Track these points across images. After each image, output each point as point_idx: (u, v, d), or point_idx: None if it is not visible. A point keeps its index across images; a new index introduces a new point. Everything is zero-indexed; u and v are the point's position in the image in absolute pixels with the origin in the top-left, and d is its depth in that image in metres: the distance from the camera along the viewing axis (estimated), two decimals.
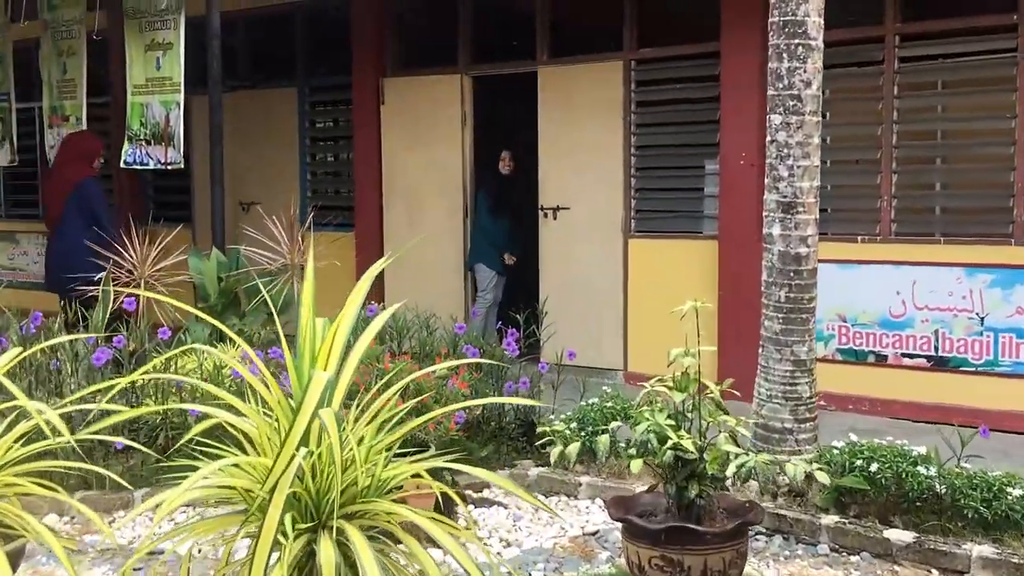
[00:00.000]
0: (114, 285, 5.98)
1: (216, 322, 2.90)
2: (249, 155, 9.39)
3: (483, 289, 8.06)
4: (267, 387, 2.59)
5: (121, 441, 3.70)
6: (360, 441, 2.59)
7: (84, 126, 7.66)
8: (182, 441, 2.74)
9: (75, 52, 7.55)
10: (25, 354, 3.65)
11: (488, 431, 5.21)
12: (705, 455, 3.47)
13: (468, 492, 4.82)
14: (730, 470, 3.33)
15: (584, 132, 7.66)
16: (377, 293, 8.22)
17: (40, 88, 7.98)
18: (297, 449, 2.34)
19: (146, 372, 3.23)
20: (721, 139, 7.01)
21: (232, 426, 2.61)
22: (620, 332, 7.52)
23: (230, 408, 2.69)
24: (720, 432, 3.51)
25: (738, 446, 3.49)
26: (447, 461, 2.63)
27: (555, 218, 7.83)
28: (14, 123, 8.17)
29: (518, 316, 5.57)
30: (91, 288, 5.95)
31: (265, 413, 2.68)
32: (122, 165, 7.16)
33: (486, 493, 4.85)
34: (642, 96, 7.50)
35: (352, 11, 8.62)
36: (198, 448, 2.81)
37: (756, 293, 6.84)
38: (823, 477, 3.52)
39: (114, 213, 7.34)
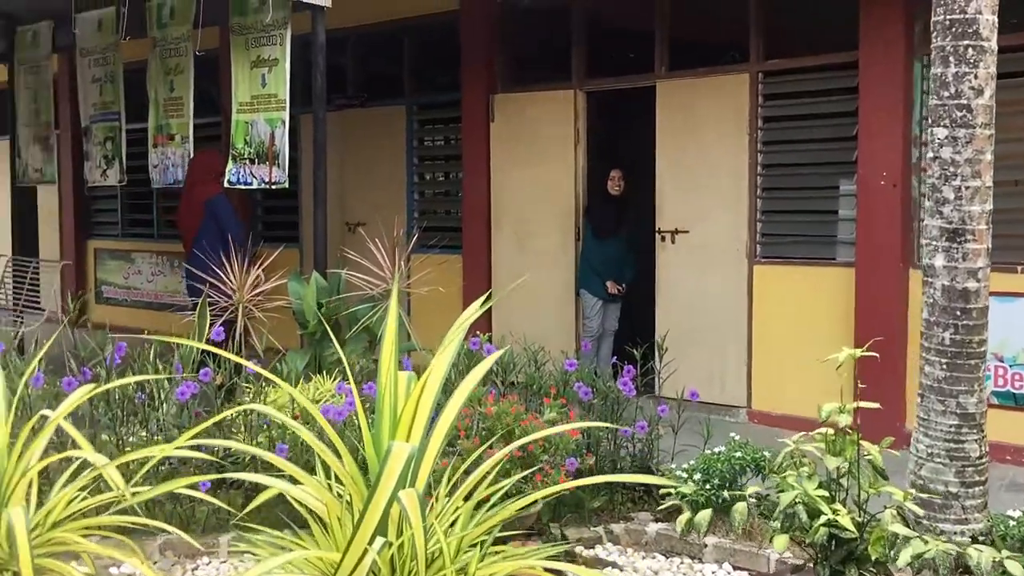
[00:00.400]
0: (212, 310, 5.68)
1: (258, 377, 2.43)
2: (357, 174, 9.09)
3: (586, 317, 7.53)
4: (338, 455, 2.11)
5: (195, 493, 3.31)
6: (452, 523, 2.08)
7: (191, 145, 7.46)
8: (244, 512, 2.28)
9: (182, 70, 7.34)
10: (96, 391, 3.30)
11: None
12: (866, 534, 2.85)
13: (579, 549, 4.27)
14: (903, 559, 2.70)
15: (706, 150, 7.05)
16: (483, 321, 7.75)
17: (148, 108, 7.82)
18: (372, 540, 1.84)
19: (191, 435, 2.79)
20: (859, 157, 6.31)
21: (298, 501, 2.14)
22: (744, 366, 6.85)
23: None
24: (885, 508, 2.88)
25: (907, 524, 2.86)
26: (548, 557, 2.10)
27: (673, 242, 7.22)
28: (123, 143, 8.04)
29: (635, 351, 4.99)
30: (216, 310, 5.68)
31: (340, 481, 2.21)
32: (225, 184, 6.89)
33: (599, 551, 4.29)
34: (770, 111, 6.84)
35: (462, 26, 8.23)
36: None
37: (899, 327, 6.14)
38: (1017, 569, 2.84)
39: (244, 230, 7.10)
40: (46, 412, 3.08)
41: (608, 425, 3.60)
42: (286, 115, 6.50)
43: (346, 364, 2.57)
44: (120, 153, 8.04)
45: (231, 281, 5.99)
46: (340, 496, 2.12)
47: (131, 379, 3.71)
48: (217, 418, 2.58)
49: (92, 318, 10.78)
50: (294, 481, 2.20)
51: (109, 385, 3.59)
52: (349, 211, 9.12)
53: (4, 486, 2.92)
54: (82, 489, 3.13)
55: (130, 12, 7.26)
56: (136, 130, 8.33)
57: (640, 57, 7.57)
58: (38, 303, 8.75)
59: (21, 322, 8.36)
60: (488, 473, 2.18)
